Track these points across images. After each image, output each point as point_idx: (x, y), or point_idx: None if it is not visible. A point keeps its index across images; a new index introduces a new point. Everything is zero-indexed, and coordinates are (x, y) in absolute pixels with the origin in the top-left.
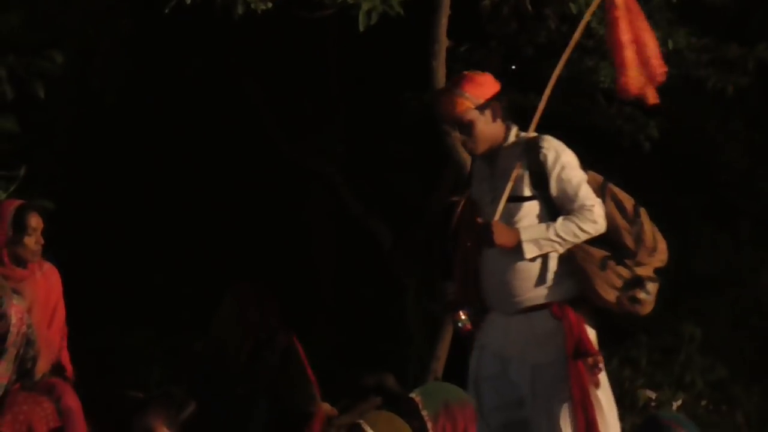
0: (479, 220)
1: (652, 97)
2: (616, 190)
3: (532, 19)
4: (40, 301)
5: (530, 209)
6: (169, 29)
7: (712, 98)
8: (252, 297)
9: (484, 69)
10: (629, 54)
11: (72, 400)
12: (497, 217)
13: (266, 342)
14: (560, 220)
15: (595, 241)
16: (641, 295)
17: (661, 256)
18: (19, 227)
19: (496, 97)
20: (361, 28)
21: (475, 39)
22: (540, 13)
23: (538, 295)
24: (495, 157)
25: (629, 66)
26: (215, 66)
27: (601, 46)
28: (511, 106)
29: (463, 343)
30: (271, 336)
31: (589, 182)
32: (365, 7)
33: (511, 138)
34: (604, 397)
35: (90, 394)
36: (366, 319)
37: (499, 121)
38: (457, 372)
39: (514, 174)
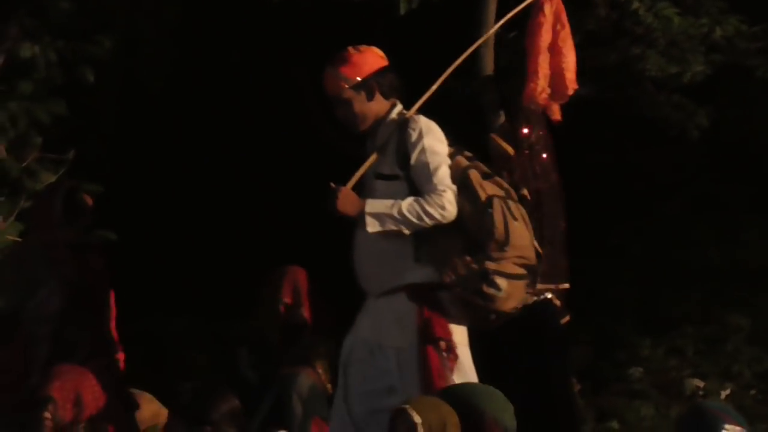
0: (332, 185)
1: (555, 113)
2: (475, 177)
3: (581, 6)
4: (85, 283)
5: (395, 188)
6: (216, 16)
7: (761, 87)
8: (289, 281)
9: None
10: (543, 62)
11: (118, 380)
12: (348, 186)
13: (302, 326)
14: (409, 199)
15: (453, 228)
16: (489, 291)
17: (517, 252)
18: (68, 210)
19: (375, 75)
20: (402, 12)
21: (522, 26)
22: (589, 0)
23: (398, 277)
24: (375, 134)
25: (540, 75)
26: (261, 53)
27: (648, 34)
28: (398, 83)
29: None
30: (307, 320)
31: (452, 167)
32: None
33: (392, 115)
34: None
35: (136, 378)
36: None
37: (378, 99)
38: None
39: (375, 152)
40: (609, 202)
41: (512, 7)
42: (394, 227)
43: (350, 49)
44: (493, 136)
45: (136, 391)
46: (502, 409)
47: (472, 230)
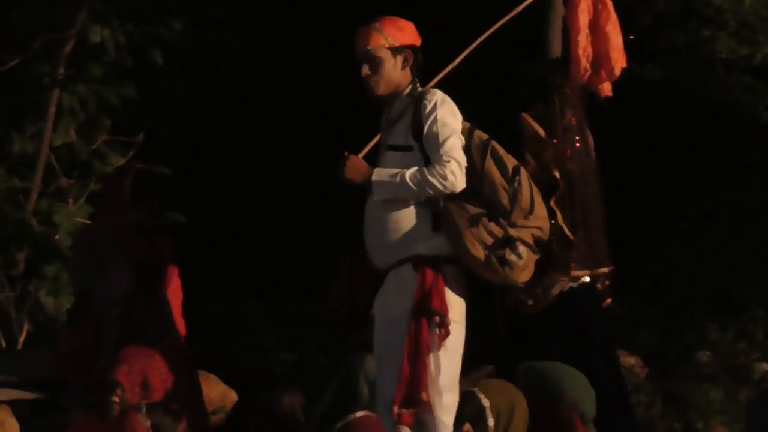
0: (346, 153)
1: (604, 90)
2: (499, 148)
3: None
4: (154, 265)
5: (410, 159)
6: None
7: None
8: (357, 265)
9: None
10: (583, 42)
11: (187, 363)
12: (361, 155)
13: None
14: (413, 168)
15: (474, 197)
16: (511, 257)
17: (538, 222)
18: (137, 193)
19: (413, 48)
20: None
21: None
22: None
23: (407, 248)
24: (391, 106)
25: (581, 56)
26: (328, 36)
27: (718, 16)
28: (422, 66)
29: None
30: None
31: (473, 138)
32: None
33: (409, 90)
34: (446, 363)
35: (204, 361)
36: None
37: (407, 71)
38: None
39: (392, 123)
40: (679, 185)
41: None
42: (398, 195)
43: (395, 17)
44: (525, 116)
45: (203, 373)
46: (583, 393)
47: (498, 198)
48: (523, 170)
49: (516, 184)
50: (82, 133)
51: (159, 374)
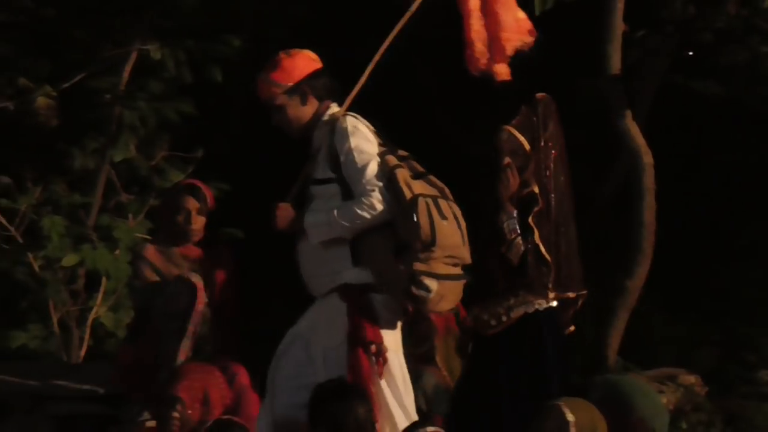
0: (279, 203)
1: (501, 74)
2: (401, 176)
3: (710, 3)
4: (212, 281)
5: (331, 192)
6: (342, 15)
7: None
8: None
9: (660, 55)
10: (476, 25)
11: (245, 379)
12: (289, 199)
13: (429, 326)
14: (341, 205)
15: (385, 229)
16: (418, 292)
17: (449, 252)
18: (194, 208)
19: (308, 79)
20: (537, 12)
21: (650, 24)
22: None
23: (335, 278)
24: (311, 139)
25: (475, 39)
26: (387, 51)
27: None
28: (332, 85)
29: (642, 330)
30: (432, 321)
31: (383, 165)
32: None
33: (325, 118)
34: (390, 389)
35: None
36: None
37: (312, 102)
38: (631, 358)
39: (313, 158)
40: (739, 202)
41: (639, 6)
42: (333, 234)
43: (282, 54)
44: (509, 128)
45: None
46: (653, 411)
47: (399, 231)
48: (421, 200)
49: (412, 216)
50: (142, 148)
51: (219, 390)
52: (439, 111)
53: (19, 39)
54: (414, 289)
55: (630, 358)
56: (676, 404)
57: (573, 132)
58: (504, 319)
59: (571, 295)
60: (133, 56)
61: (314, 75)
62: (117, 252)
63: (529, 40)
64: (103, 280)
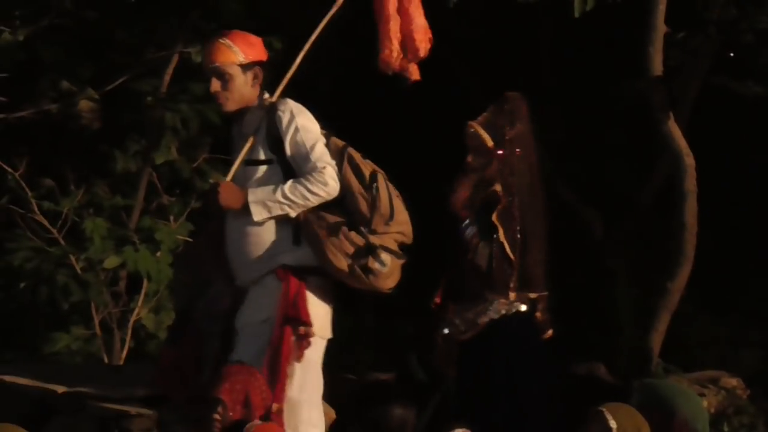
0: (211, 181)
1: (413, 74)
2: (356, 155)
3: (753, 4)
4: None
5: (268, 172)
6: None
7: None
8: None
9: (701, 56)
10: (394, 26)
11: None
12: (229, 178)
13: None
14: (290, 182)
15: (333, 206)
16: (374, 265)
17: (400, 228)
18: None
19: (262, 64)
20: (576, 14)
21: (692, 25)
22: None
23: (272, 261)
24: (241, 121)
25: (393, 39)
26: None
27: None
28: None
29: (683, 333)
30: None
31: (329, 146)
32: None
33: (258, 103)
34: (306, 375)
35: None
36: (574, 307)
37: (256, 87)
38: (673, 361)
39: (250, 138)
40: None
41: (682, 3)
42: (280, 212)
43: (243, 32)
44: (473, 124)
45: None
46: (695, 413)
47: (357, 206)
48: (380, 176)
49: (374, 191)
50: (184, 151)
51: (260, 393)
52: (481, 109)
53: (61, 42)
54: (371, 262)
55: (672, 360)
56: (717, 407)
57: (615, 133)
58: (472, 325)
59: (533, 295)
60: (175, 59)
61: (266, 63)
62: (158, 254)
63: (430, 44)
64: (145, 281)
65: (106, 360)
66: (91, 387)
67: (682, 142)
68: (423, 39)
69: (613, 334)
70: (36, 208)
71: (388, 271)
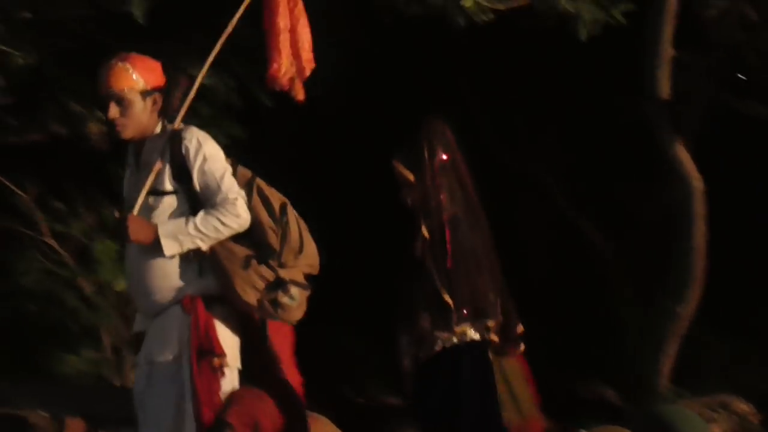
0: (117, 214)
1: (298, 93)
2: (264, 186)
3: (758, 27)
4: None
5: (173, 203)
6: (388, 36)
7: None
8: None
9: (708, 79)
10: (284, 42)
11: (297, 406)
12: (135, 211)
13: None
14: (201, 213)
15: (241, 238)
16: (284, 299)
17: (309, 261)
18: None
19: (162, 90)
20: (583, 38)
21: (698, 47)
22: (766, 21)
23: (175, 293)
24: (140, 149)
25: (283, 55)
26: (432, 71)
27: None
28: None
29: (693, 356)
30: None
31: (236, 176)
32: (587, 17)
33: (158, 130)
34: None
35: (317, 402)
36: (579, 325)
37: (155, 115)
38: (683, 385)
39: (155, 167)
40: None
41: (688, 26)
42: (191, 245)
43: (142, 56)
44: (395, 161)
45: (314, 415)
46: None
47: (265, 238)
48: (290, 208)
49: (284, 223)
50: None
51: (270, 417)
52: (486, 130)
53: (70, 63)
54: (280, 296)
55: (682, 384)
56: None
57: (621, 153)
58: (426, 351)
59: (488, 323)
60: (184, 80)
61: (165, 89)
62: None
63: (313, 63)
64: None
65: (116, 382)
66: (102, 409)
67: (690, 166)
68: (309, 59)
69: (618, 352)
70: (47, 231)
71: (296, 304)
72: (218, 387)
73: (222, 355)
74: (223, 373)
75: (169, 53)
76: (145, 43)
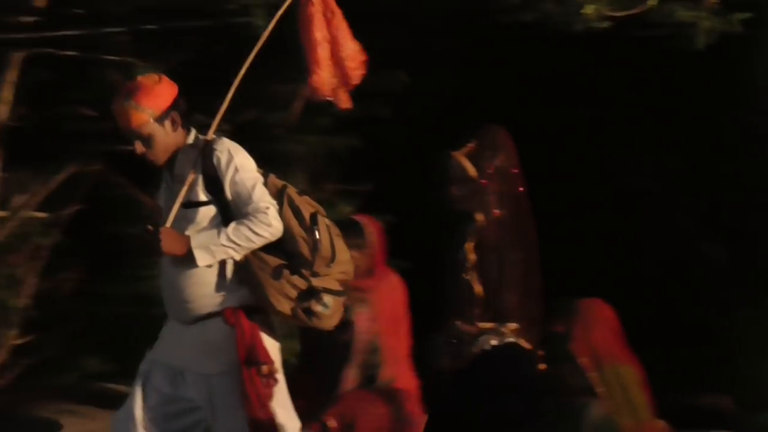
0: (150, 227)
1: (344, 101)
2: (295, 195)
3: None
4: (386, 311)
5: (206, 214)
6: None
7: None
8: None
9: None
10: (322, 53)
11: (415, 408)
12: (168, 223)
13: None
14: (233, 224)
15: (273, 248)
16: (317, 308)
17: (342, 268)
18: (362, 239)
19: (173, 105)
20: (700, 46)
21: None
22: None
23: (213, 302)
24: (173, 162)
25: (322, 65)
26: (549, 83)
27: None
28: (190, 109)
29: None
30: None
31: (268, 186)
32: (705, 25)
33: (189, 141)
34: (281, 410)
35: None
36: (696, 337)
37: (179, 129)
38: None
39: (189, 179)
40: None
41: None
42: (224, 256)
43: (142, 79)
44: (456, 154)
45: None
46: None
47: (297, 248)
48: (320, 217)
49: (315, 234)
50: (312, 181)
51: (371, 418)
52: (601, 144)
53: (191, 76)
54: (314, 305)
55: None
56: None
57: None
58: (457, 354)
59: (512, 326)
60: (303, 91)
61: (178, 100)
62: None
63: (364, 71)
64: None
65: None
66: None
67: None
68: (356, 66)
69: (736, 365)
70: None
71: (330, 312)
72: (269, 394)
73: (270, 362)
74: (275, 380)
75: (288, 65)
76: (267, 58)
